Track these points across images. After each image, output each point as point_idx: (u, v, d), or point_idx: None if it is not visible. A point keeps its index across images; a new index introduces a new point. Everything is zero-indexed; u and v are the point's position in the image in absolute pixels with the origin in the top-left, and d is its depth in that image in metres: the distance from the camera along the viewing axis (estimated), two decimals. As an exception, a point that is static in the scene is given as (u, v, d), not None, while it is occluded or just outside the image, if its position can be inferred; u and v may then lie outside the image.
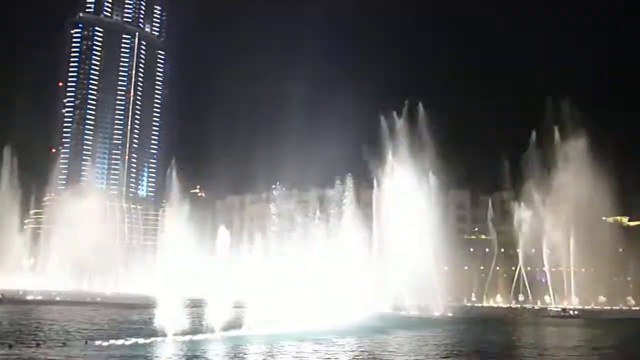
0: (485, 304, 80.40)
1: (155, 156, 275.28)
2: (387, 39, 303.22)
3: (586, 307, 75.47)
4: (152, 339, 27.43)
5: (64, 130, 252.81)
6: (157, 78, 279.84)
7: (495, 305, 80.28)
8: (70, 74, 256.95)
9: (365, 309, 57.98)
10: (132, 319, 38.73)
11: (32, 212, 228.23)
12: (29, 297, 68.75)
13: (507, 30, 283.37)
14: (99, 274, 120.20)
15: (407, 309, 62.03)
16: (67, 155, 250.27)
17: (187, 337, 27.75)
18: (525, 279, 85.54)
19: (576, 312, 65.71)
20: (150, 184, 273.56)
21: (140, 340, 26.51)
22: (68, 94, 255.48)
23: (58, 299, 67.11)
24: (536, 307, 73.75)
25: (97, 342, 24.86)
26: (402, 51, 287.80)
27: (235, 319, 35.81)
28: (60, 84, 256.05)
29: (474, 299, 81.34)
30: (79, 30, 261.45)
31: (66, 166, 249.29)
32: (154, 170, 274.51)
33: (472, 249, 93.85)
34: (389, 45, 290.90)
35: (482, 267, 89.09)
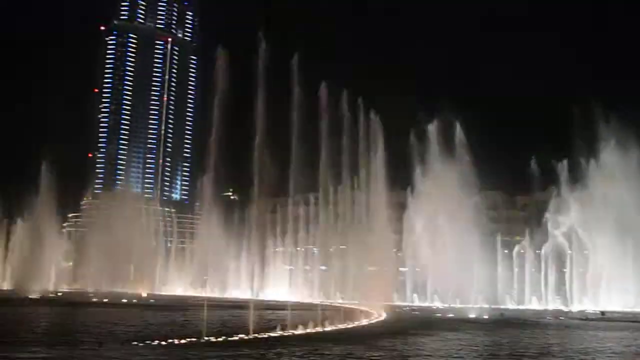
0: (521, 306, 79.17)
1: (188, 160, 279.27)
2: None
3: (627, 309, 73.85)
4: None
5: (100, 135, 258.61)
6: (190, 82, 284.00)
7: (530, 307, 79.01)
8: (105, 80, 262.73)
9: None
10: (174, 321, 39.23)
11: (70, 215, 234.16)
12: (70, 299, 70.51)
13: (539, 29, 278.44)
14: (135, 276, 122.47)
15: (440, 311, 61.50)
16: (103, 160, 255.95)
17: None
18: (565, 281, 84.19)
19: (615, 315, 64.32)
20: (184, 188, 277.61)
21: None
22: (103, 100, 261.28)
23: (95, 300, 68.46)
24: (574, 310, 72.32)
25: (155, 342, 25.42)
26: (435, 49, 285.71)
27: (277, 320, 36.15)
28: (96, 90, 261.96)
29: (509, 300, 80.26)
30: (114, 37, 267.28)
31: (102, 171, 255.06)
32: (188, 174, 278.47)
33: (506, 251, 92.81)
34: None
35: (516, 269, 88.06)
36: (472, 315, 53.39)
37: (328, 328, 34.00)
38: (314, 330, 32.55)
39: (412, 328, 37.46)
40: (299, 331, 31.79)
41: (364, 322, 40.25)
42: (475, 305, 61.85)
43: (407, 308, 66.23)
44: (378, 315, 45.63)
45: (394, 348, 26.88)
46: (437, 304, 71.75)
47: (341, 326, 35.87)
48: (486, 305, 62.16)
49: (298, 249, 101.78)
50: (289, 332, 31.32)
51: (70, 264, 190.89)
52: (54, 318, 41.98)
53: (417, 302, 78.88)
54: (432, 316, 53.22)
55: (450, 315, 54.26)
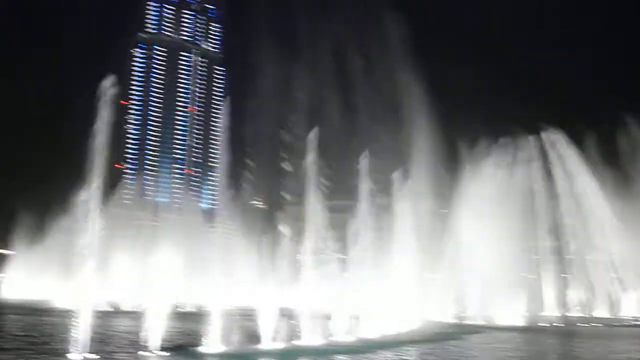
0: (562, 313, 75.97)
1: (216, 170, 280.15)
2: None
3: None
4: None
5: (128, 146, 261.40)
6: (216, 93, 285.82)
7: (572, 315, 75.81)
8: (132, 92, 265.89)
9: (432, 317, 56.01)
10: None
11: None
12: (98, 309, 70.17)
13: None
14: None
15: (476, 318, 59.38)
16: (131, 171, 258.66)
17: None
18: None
19: None
20: (211, 197, 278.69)
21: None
22: (131, 112, 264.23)
23: (111, 309, 67.80)
24: (621, 317, 69.18)
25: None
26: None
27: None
28: (124, 102, 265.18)
29: (549, 308, 77.02)
30: (141, 49, 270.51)
31: (131, 181, 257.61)
32: (215, 184, 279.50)
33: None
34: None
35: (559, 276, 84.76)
36: (515, 324, 51.30)
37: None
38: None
39: None
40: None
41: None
42: (515, 312, 59.36)
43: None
44: None
45: None
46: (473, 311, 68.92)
47: None
48: (527, 313, 59.65)
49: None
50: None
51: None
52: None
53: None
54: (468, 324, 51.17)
55: (484, 322, 52.07)
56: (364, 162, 49.84)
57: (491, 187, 70.56)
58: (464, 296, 65.79)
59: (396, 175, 58.72)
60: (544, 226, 77.44)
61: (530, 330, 48.77)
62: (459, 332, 44.97)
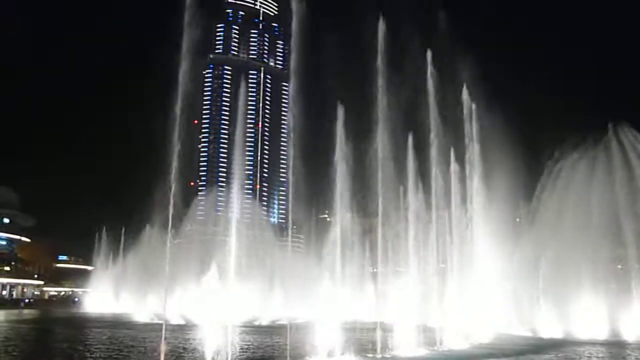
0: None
1: (284, 184, 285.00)
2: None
3: None
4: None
5: (200, 164, 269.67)
6: (283, 108, 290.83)
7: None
8: (204, 112, 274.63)
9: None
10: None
11: (176, 241, 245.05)
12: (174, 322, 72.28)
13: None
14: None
15: (554, 331, 56.99)
16: (204, 188, 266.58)
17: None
18: None
19: None
20: (281, 212, 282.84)
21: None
22: (203, 130, 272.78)
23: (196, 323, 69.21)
24: None
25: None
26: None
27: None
28: (195, 121, 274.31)
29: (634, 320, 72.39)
30: (210, 70, 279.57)
31: (204, 198, 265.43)
32: (284, 198, 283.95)
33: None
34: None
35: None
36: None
37: None
38: None
39: None
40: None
41: None
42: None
43: None
44: None
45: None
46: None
47: None
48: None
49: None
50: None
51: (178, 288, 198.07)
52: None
53: None
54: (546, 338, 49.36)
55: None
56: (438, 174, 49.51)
57: (572, 191, 67.80)
58: (538, 307, 63.46)
59: (475, 184, 57.81)
60: (630, 234, 73.43)
61: (615, 345, 46.44)
62: (541, 345, 43.55)
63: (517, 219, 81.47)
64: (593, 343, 47.45)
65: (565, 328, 56.32)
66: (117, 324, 64.71)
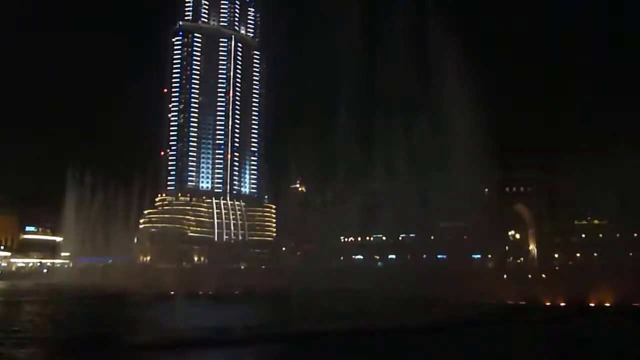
0: None
1: (256, 154, 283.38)
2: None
3: None
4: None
5: (171, 134, 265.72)
6: (254, 78, 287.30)
7: None
8: (173, 80, 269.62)
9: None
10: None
11: (146, 212, 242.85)
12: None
13: None
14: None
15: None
16: (174, 158, 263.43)
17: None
18: None
19: None
20: (252, 181, 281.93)
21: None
22: (172, 99, 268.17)
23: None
24: None
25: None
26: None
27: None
28: (165, 90, 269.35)
29: None
30: (180, 37, 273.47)
31: (174, 168, 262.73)
32: (255, 168, 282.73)
33: None
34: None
35: None
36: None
37: None
38: None
39: None
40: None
41: None
42: None
43: None
44: None
45: None
46: None
47: None
48: None
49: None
50: None
51: (148, 258, 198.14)
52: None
53: None
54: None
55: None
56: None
57: None
58: None
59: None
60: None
61: None
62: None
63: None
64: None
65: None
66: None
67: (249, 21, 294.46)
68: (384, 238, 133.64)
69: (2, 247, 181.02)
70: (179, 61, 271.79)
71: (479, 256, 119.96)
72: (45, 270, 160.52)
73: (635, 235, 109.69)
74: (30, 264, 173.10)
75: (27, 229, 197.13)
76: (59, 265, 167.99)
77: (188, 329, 31.55)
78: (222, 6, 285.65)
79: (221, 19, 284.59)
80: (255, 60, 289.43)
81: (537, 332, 37.72)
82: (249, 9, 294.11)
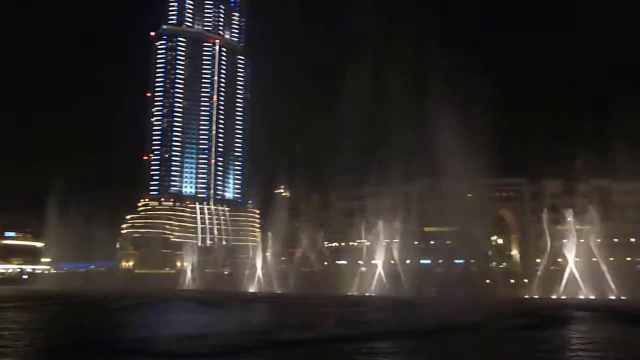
0: None
1: (240, 159, 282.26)
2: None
3: None
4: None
5: (154, 138, 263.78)
6: (239, 82, 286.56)
7: None
8: (157, 84, 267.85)
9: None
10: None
11: (128, 217, 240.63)
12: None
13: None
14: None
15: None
16: (157, 162, 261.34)
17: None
18: None
19: None
20: (236, 186, 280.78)
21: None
22: (156, 103, 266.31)
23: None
24: None
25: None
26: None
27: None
28: (148, 94, 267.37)
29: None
30: (164, 41, 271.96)
31: (157, 172, 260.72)
32: (239, 173, 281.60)
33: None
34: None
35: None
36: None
37: None
38: None
39: None
40: None
41: None
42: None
43: None
44: None
45: None
46: None
47: None
48: None
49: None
50: None
51: (132, 263, 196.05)
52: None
53: None
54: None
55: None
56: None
57: None
58: None
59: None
60: None
61: None
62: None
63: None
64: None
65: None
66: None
67: (233, 26, 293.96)
68: (367, 243, 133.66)
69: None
70: (162, 65, 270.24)
71: (462, 261, 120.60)
72: (25, 277, 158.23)
73: (616, 240, 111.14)
74: (10, 270, 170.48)
75: (7, 234, 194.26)
76: (39, 271, 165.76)
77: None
78: (206, 10, 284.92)
79: (205, 24, 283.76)
80: (239, 65, 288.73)
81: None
82: (234, 13, 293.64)
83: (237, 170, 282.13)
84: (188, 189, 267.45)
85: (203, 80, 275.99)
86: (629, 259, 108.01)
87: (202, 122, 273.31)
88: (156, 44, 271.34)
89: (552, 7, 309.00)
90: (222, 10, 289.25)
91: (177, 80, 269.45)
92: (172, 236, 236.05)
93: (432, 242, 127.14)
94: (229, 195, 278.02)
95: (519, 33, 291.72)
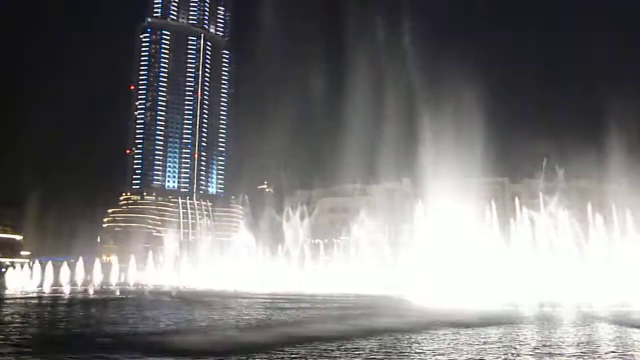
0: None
1: (223, 154, 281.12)
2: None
3: None
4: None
5: (137, 131, 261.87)
6: (223, 77, 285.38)
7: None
8: (140, 77, 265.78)
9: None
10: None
11: (110, 211, 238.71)
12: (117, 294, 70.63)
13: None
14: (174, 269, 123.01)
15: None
16: (140, 156, 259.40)
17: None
18: None
19: None
20: (219, 181, 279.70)
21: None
22: (139, 97, 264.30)
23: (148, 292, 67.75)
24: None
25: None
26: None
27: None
28: (132, 87, 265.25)
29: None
30: (148, 34, 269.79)
31: (140, 166, 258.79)
32: (223, 168, 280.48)
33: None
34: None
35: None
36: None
37: None
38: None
39: None
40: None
41: None
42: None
43: None
44: None
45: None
46: None
47: None
48: None
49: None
50: None
51: (113, 257, 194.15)
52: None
53: None
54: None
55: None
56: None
57: None
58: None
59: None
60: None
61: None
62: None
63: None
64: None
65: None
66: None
67: (218, 20, 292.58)
68: (351, 240, 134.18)
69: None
70: (146, 58, 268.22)
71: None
72: (3, 270, 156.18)
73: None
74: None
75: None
76: (18, 264, 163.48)
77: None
78: (191, 4, 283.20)
79: (190, 17, 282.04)
80: (224, 60, 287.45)
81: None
82: (219, 7, 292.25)
83: (221, 165, 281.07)
84: (171, 183, 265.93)
85: (187, 75, 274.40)
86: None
87: (185, 117, 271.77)
88: (140, 37, 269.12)
89: (534, 6, 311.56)
90: (207, 5, 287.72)
91: (161, 74, 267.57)
92: (154, 231, 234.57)
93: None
94: (212, 190, 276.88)
95: (506, 33, 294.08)
